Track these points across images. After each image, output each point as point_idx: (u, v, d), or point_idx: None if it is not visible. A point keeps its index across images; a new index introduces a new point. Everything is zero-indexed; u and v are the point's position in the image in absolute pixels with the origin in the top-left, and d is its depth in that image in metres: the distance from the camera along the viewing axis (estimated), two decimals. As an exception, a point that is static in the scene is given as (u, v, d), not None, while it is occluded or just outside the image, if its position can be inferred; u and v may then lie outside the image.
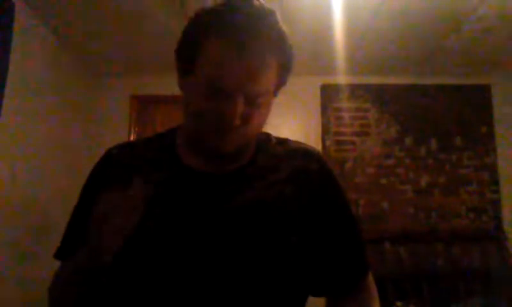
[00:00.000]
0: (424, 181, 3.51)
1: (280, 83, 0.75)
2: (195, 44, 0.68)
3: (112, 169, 0.77)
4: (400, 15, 2.62)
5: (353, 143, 3.56)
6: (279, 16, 0.70)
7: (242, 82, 0.65)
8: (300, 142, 0.84)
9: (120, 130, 3.37)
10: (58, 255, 0.79)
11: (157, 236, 0.68)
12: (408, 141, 3.57)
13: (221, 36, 0.65)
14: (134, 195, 0.63)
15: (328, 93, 3.61)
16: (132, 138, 3.41)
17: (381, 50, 3.14)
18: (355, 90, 3.62)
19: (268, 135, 0.85)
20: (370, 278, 0.82)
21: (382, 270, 3.20)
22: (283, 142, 0.83)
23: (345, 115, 3.60)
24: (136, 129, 3.49)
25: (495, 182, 3.52)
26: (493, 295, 3.11)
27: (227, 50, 0.64)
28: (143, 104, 3.55)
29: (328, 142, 3.54)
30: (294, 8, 2.53)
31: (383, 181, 3.50)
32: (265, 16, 0.67)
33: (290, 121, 3.47)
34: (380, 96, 3.62)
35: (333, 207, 0.79)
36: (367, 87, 3.62)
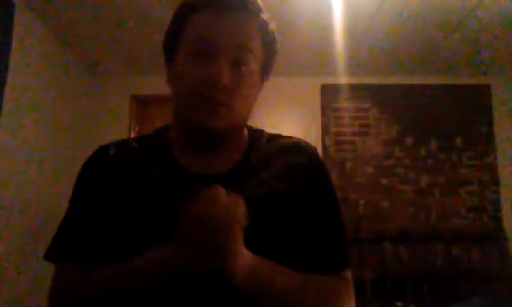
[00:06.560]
0: (424, 181, 3.51)
1: (266, 64, 0.75)
2: (181, 23, 0.71)
3: (109, 168, 0.76)
4: (399, 15, 2.62)
5: (353, 143, 3.56)
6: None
7: (225, 39, 0.67)
8: (291, 137, 0.83)
9: (120, 130, 3.37)
10: (50, 256, 0.74)
11: (153, 237, 0.68)
12: (408, 141, 3.57)
13: (206, 8, 0.68)
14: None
15: (328, 93, 3.61)
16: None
17: (381, 50, 3.14)
18: (355, 90, 3.62)
19: (261, 131, 0.84)
20: (348, 275, 0.76)
21: (382, 270, 3.21)
22: (274, 137, 0.83)
23: (345, 115, 3.60)
24: (136, 129, 3.49)
25: (495, 182, 3.52)
26: (493, 295, 3.11)
27: (211, 16, 0.67)
28: (143, 104, 3.55)
29: (328, 142, 3.54)
30: (295, 8, 2.53)
31: (383, 181, 3.50)
32: None
33: (290, 121, 3.47)
34: (380, 96, 3.62)
35: (319, 200, 0.77)
36: (367, 87, 3.62)
